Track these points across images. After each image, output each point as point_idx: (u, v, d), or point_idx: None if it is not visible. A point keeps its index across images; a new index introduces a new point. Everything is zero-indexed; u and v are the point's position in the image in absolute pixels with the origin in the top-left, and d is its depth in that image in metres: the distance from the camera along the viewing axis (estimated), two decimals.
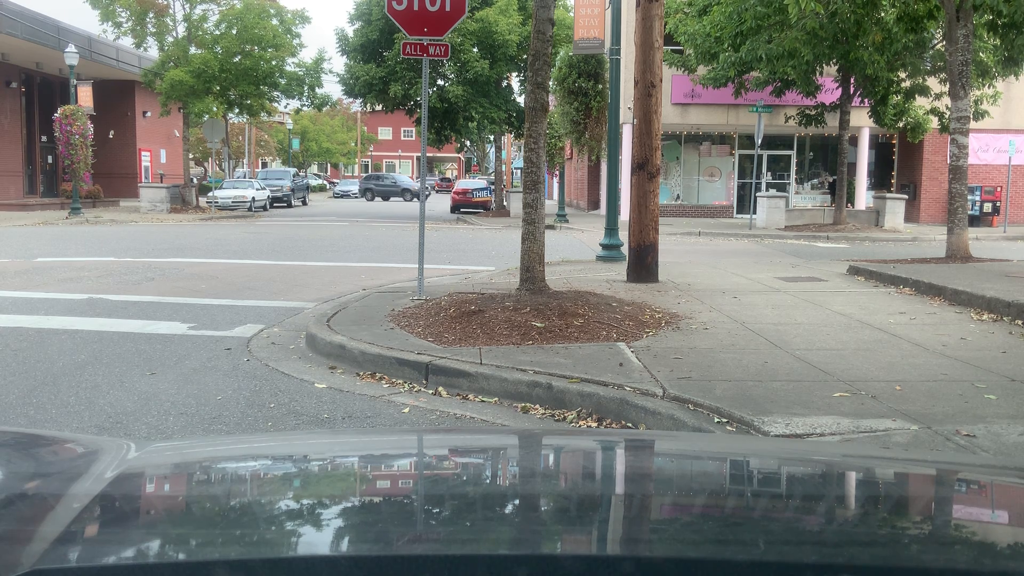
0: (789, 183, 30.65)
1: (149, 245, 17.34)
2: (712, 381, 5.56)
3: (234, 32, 31.61)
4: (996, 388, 5.44)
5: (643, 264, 11.05)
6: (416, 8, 8.90)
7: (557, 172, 31.94)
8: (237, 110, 35.23)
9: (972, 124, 14.66)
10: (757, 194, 25.88)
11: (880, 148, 31.08)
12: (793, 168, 30.84)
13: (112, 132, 39.12)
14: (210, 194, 33.16)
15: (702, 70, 23.74)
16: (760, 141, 24.73)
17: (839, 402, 5.05)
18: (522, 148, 11.37)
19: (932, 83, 23.47)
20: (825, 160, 30.76)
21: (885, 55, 19.91)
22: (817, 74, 22.07)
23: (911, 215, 28.15)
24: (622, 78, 18.31)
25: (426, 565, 0.99)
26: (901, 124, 24.07)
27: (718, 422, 4.79)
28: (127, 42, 33.09)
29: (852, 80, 22.72)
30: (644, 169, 10.95)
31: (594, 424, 5.23)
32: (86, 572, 0.97)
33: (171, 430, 4.99)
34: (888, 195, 25.86)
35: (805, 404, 4.99)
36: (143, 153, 41.88)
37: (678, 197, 30.54)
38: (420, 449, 1.76)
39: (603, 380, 5.56)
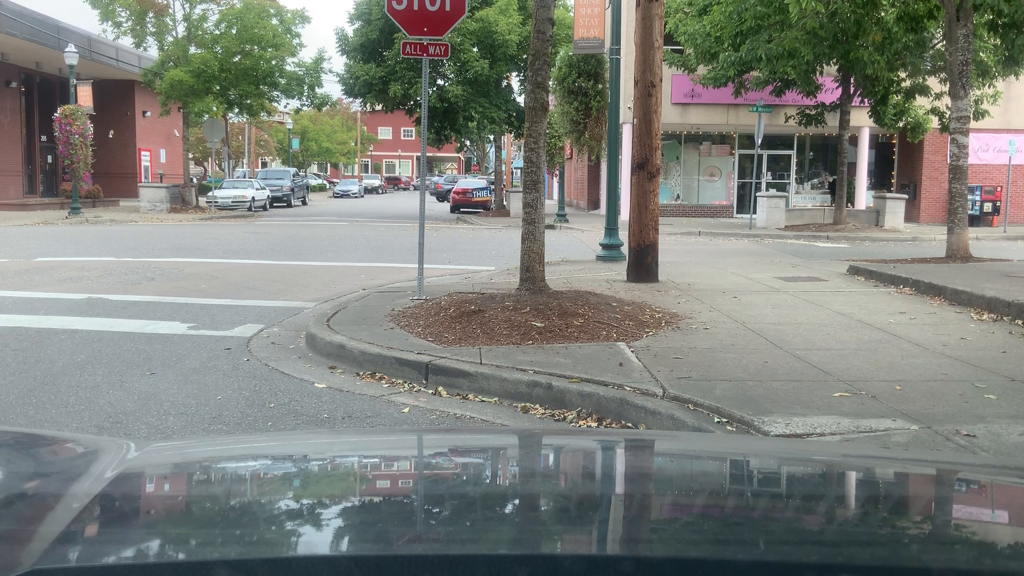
0: (789, 183, 30.63)
1: (149, 245, 17.34)
2: (712, 381, 5.56)
3: (234, 32, 31.60)
4: (996, 388, 5.44)
5: (643, 264, 11.05)
6: (416, 8, 8.90)
7: (557, 172, 31.93)
8: (237, 110, 35.24)
9: (972, 124, 14.66)
10: (757, 194, 25.87)
11: (880, 148, 31.06)
12: (793, 168, 30.83)
13: (112, 132, 39.10)
14: (210, 194, 33.14)
15: (702, 70, 23.72)
16: (760, 141, 24.71)
17: (839, 402, 5.05)
18: (522, 148, 11.36)
19: (932, 83, 23.45)
20: (825, 160, 30.75)
21: (885, 55, 19.89)
22: (817, 74, 22.06)
23: (911, 215, 28.14)
24: (622, 78, 18.29)
25: (426, 565, 0.99)
26: (901, 124, 24.07)
27: (718, 422, 4.79)
28: (127, 42, 33.09)
29: (852, 80, 22.71)
30: (644, 169, 10.95)
31: (594, 424, 5.22)
32: (86, 572, 0.97)
33: (171, 430, 4.99)
34: (888, 195, 25.85)
35: (805, 404, 4.99)
36: (143, 153, 41.86)
37: (678, 197, 30.53)
38: (420, 449, 1.76)
39: (603, 380, 5.56)
